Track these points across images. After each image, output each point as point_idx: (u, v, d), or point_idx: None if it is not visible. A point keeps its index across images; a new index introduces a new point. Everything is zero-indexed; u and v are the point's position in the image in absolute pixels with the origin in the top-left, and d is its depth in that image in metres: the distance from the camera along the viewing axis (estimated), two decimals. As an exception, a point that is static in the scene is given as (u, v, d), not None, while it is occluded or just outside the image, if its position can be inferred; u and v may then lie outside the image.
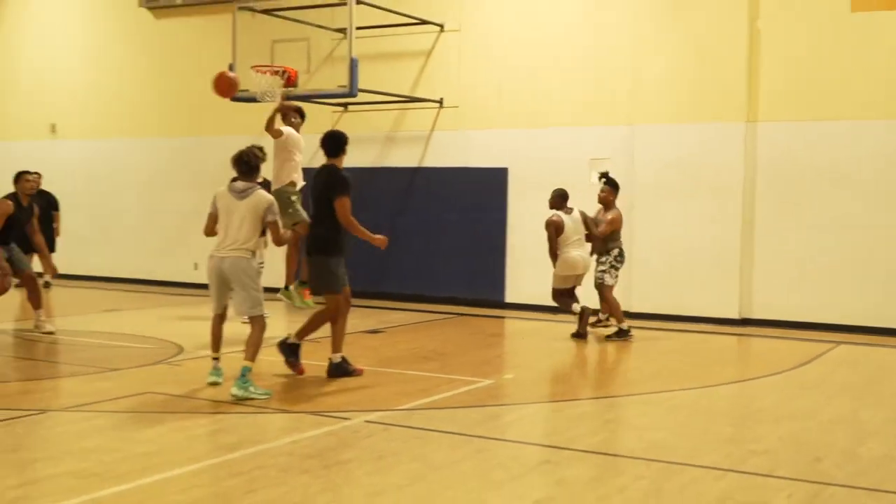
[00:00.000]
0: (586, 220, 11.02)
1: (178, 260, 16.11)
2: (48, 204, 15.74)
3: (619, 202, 11.35)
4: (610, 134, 13.14)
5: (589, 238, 11.02)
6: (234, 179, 7.87)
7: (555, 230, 10.77)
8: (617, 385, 9.05)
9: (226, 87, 9.47)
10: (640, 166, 12.83)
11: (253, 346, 7.56)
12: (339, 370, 8.30)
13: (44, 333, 10.47)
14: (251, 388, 7.38)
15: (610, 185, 11.28)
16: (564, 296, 11.01)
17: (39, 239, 10.83)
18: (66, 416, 6.80)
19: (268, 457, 5.77)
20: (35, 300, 10.64)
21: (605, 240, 11.04)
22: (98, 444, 6.03)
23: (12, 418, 6.67)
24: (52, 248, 15.80)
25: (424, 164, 14.50)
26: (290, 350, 8.45)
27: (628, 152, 12.93)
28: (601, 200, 11.25)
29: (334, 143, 8.39)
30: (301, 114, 10.29)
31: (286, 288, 10.05)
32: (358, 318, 11.59)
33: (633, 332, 10.86)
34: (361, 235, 8.33)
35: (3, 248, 10.20)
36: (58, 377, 8.66)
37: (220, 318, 7.89)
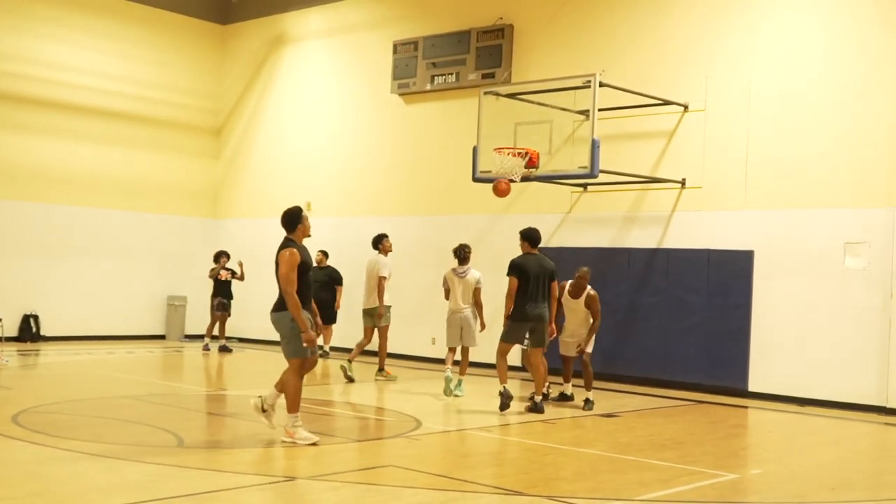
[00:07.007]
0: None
1: (416, 333, 16.51)
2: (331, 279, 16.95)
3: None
4: (866, 216, 12.38)
5: None
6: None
7: None
8: (886, 487, 8.27)
9: (502, 191, 12.66)
10: (902, 251, 12.00)
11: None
12: None
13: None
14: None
15: None
16: None
17: None
18: (314, 484, 7.04)
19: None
20: None
21: None
22: (342, 515, 6.19)
23: (264, 483, 6.98)
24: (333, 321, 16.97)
25: (665, 245, 14.20)
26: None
27: (888, 235, 12.13)
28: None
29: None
30: None
31: None
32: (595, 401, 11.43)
33: None
34: None
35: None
36: (299, 445, 8.97)
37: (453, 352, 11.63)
